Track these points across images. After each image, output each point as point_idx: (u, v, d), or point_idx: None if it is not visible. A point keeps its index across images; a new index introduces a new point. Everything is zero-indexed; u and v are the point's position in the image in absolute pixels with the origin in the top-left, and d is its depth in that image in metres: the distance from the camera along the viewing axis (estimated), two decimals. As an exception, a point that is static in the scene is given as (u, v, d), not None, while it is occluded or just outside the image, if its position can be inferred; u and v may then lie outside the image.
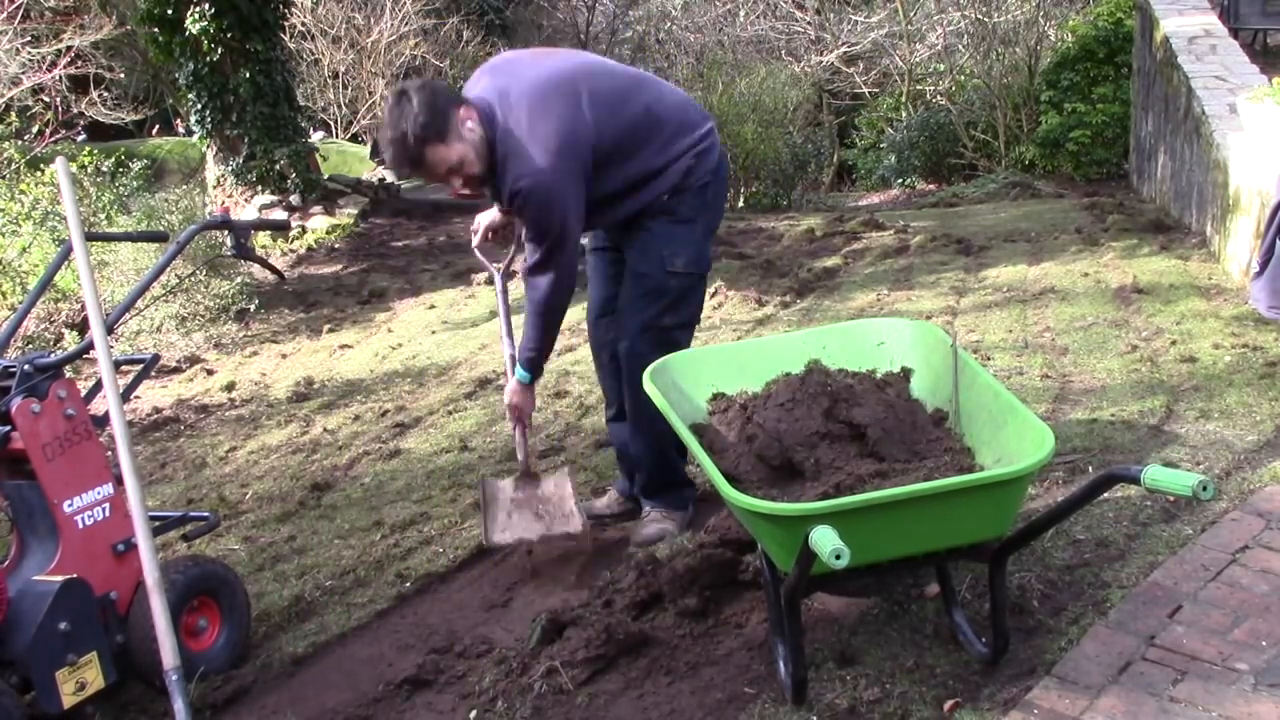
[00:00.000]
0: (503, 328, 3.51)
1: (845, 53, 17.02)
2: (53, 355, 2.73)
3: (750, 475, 2.62)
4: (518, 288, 4.14)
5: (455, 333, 6.92)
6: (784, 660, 2.41)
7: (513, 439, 3.52)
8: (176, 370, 7.01)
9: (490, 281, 3.70)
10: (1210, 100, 6.79)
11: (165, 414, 5.97)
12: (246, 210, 10.32)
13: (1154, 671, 2.34)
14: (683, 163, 3.13)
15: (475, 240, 3.52)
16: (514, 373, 3.31)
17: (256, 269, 8.18)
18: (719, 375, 2.93)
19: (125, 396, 2.78)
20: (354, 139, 17.33)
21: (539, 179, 2.93)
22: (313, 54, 16.34)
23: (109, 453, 2.79)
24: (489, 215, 3.50)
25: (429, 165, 2.94)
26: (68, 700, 2.56)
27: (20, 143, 10.03)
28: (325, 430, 5.27)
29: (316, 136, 16.23)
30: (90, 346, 2.73)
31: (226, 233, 3.05)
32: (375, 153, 14.19)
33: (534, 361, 3.24)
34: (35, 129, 11.27)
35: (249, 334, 7.75)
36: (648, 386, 2.74)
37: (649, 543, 3.27)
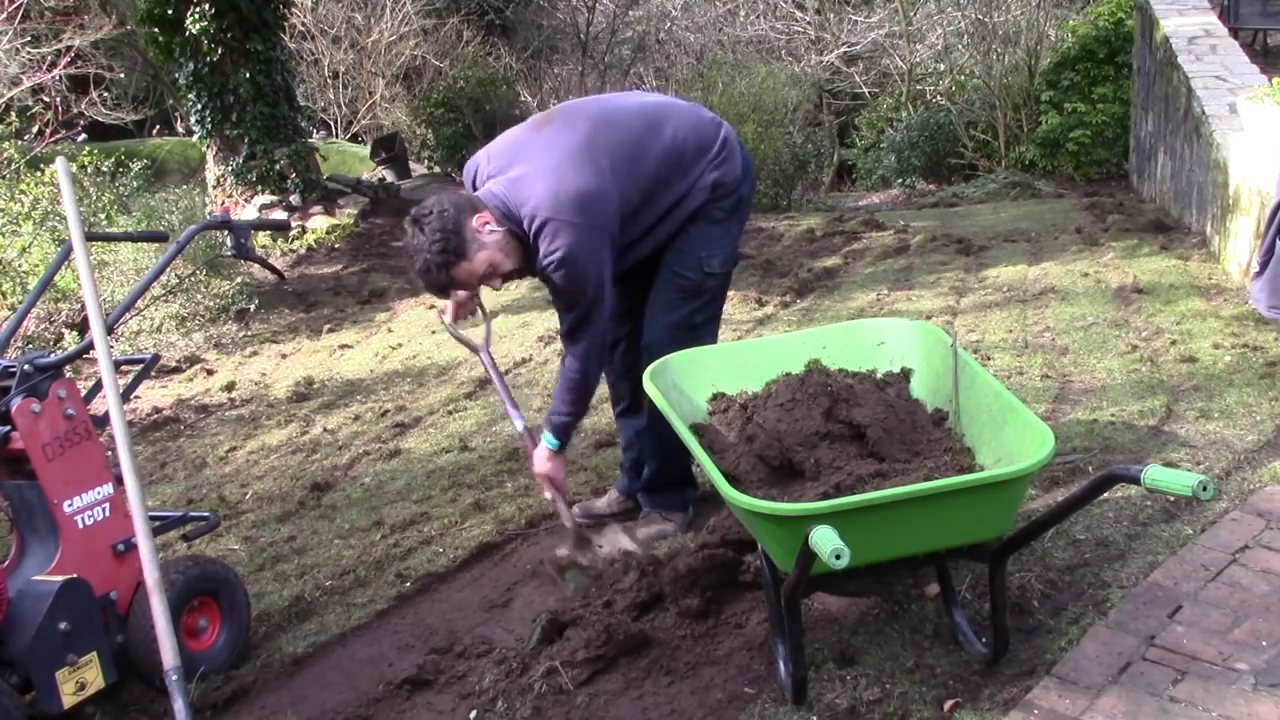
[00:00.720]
0: (505, 401, 3.40)
1: (845, 53, 17.02)
2: (53, 355, 2.73)
3: (750, 475, 2.62)
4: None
5: (455, 333, 6.92)
6: (784, 660, 2.41)
7: (554, 508, 3.32)
8: (176, 370, 7.01)
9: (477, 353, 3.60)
10: (1210, 100, 6.79)
11: (165, 414, 5.97)
12: (247, 210, 10.31)
13: (1154, 671, 2.34)
14: (706, 180, 3.12)
15: (448, 320, 3.44)
16: (537, 440, 3.20)
17: (256, 269, 8.18)
18: (719, 375, 2.93)
19: (125, 396, 2.78)
20: (354, 139, 17.33)
21: (570, 252, 2.89)
22: (313, 54, 16.33)
23: (109, 453, 2.78)
24: (456, 296, 3.37)
25: (462, 283, 2.96)
26: (68, 700, 2.56)
27: (20, 143, 10.03)
28: (325, 430, 5.27)
29: (318, 137, 16.24)
30: (90, 346, 2.73)
31: (226, 233, 3.04)
32: (375, 153, 14.19)
33: (565, 428, 3.15)
34: (35, 129, 11.25)
35: (249, 334, 7.75)
36: (648, 386, 2.74)
37: (648, 542, 3.27)
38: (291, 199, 10.55)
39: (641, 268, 3.21)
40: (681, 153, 3.09)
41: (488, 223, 2.91)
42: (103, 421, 2.77)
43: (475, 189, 3.08)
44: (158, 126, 17.07)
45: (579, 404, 3.14)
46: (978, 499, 2.16)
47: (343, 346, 7.08)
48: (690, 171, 3.10)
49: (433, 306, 7.73)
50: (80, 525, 2.68)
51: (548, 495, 3.24)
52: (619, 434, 3.66)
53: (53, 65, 12.66)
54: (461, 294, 3.30)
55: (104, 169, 8.61)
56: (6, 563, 2.70)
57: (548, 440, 3.15)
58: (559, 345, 5.43)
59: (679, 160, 3.09)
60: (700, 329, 3.24)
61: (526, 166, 2.96)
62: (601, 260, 2.95)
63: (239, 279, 8.19)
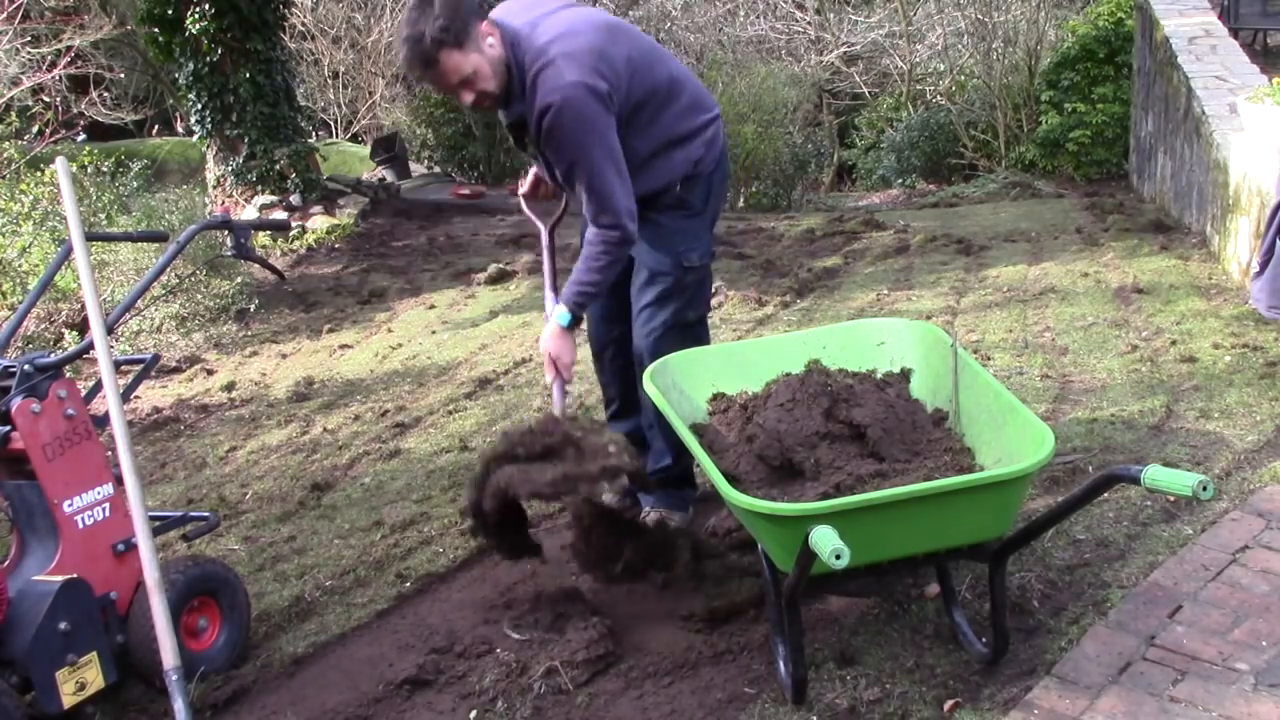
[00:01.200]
0: (547, 280, 3.31)
1: (845, 53, 17.03)
2: (53, 355, 2.73)
3: (750, 475, 2.62)
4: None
5: (455, 333, 6.92)
6: (784, 660, 2.41)
7: (551, 395, 3.16)
8: (176, 370, 7.01)
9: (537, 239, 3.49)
10: (1210, 100, 6.79)
11: (165, 414, 5.97)
12: (247, 210, 10.31)
13: (1154, 671, 2.34)
14: (696, 146, 3.09)
15: (523, 189, 3.34)
16: (553, 317, 3.05)
17: (256, 269, 8.18)
18: (719, 375, 2.93)
19: (125, 396, 2.78)
20: (354, 139, 17.34)
21: (570, 94, 2.79)
22: (313, 54, 16.35)
23: (109, 453, 2.78)
24: (536, 168, 3.34)
25: (441, 70, 2.81)
26: (68, 700, 2.56)
27: (20, 143, 10.03)
28: (325, 430, 5.27)
29: (323, 141, 16.25)
30: (90, 346, 2.73)
31: (226, 233, 3.04)
32: (375, 153, 14.19)
33: (581, 302, 3.01)
34: (35, 129, 11.26)
35: (249, 334, 7.75)
36: (648, 386, 2.74)
37: None
38: (291, 199, 10.55)
39: (628, 271, 3.18)
40: (683, 89, 3.07)
41: (492, 36, 2.85)
42: (103, 421, 2.76)
43: None
44: (157, 126, 17.09)
45: (606, 270, 2.98)
46: (978, 499, 2.16)
47: (343, 346, 7.08)
48: (687, 117, 3.07)
49: (433, 306, 7.74)
50: (80, 525, 2.68)
51: (548, 378, 3.10)
52: (609, 428, 3.63)
53: (53, 65, 12.67)
54: (540, 170, 3.24)
55: (104, 169, 8.61)
56: (6, 563, 2.70)
57: (559, 316, 3.02)
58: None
59: (680, 93, 3.06)
60: (696, 326, 3.23)
61: (545, 21, 2.91)
62: (605, 123, 2.85)
63: (239, 279, 8.19)
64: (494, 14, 3.00)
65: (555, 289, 3.25)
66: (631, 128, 2.98)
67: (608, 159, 2.88)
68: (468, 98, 2.87)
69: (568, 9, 3.01)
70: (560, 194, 3.37)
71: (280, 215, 10.16)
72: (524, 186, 3.37)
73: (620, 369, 3.36)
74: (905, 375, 2.86)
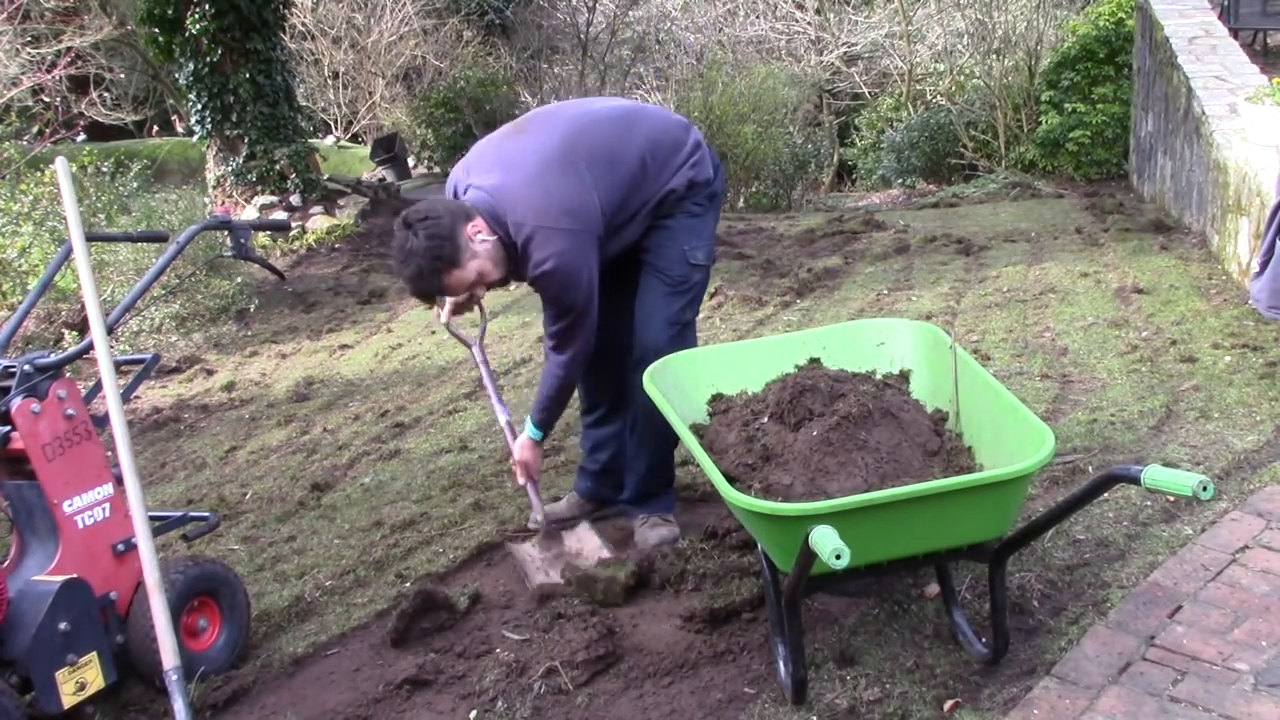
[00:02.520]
0: (492, 395, 3.48)
1: (845, 53, 17.03)
2: (53, 355, 2.72)
3: (750, 475, 2.62)
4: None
5: (455, 333, 6.92)
6: (784, 660, 2.41)
7: (528, 497, 3.44)
8: (176, 370, 7.01)
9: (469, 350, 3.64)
10: (1210, 100, 6.79)
11: (165, 414, 5.97)
12: (247, 210, 10.32)
13: (1154, 671, 2.34)
14: (680, 179, 3.16)
15: (444, 317, 3.41)
16: (517, 434, 3.33)
17: (256, 269, 8.18)
18: (719, 375, 2.93)
19: (125, 397, 2.78)
20: (354, 139, 17.34)
21: (561, 260, 2.92)
22: (313, 54, 16.35)
23: (109, 453, 2.78)
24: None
25: (451, 290, 2.96)
26: (68, 700, 2.56)
27: (20, 143, 10.03)
28: (325, 430, 5.27)
29: (329, 140, 16.25)
30: (90, 346, 2.73)
31: (226, 233, 3.04)
32: (375, 153, 14.20)
33: (546, 422, 3.27)
34: (35, 129, 11.27)
35: (249, 334, 7.75)
36: (648, 387, 2.74)
37: (661, 545, 3.26)
38: (291, 199, 10.56)
39: (612, 272, 3.19)
40: (656, 151, 3.12)
41: (480, 231, 2.91)
42: (103, 421, 2.76)
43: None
44: (157, 126, 17.08)
45: (560, 405, 3.25)
46: (978, 499, 2.16)
47: (343, 346, 7.08)
48: (663, 171, 3.13)
49: (432, 306, 7.73)
50: (80, 525, 2.68)
51: (520, 481, 3.37)
52: (585, 438, 3.62)
53: (53, 66, 12.67)
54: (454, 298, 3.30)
55: (104, 169, 8.61)
56: (6, 563, 2.70)
57: (530, 430, 3.27)
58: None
59: (654, 158, 3.12)
60: (691, 325, 3.28)
61: (508, 175, 2.98)
62: (590, 265, 2.98)
63: (239, 279, 8.19)
64: (461, 177, 3.09)
65: (501, 399, 3.47)
66: (620, 215, 3.08)
67: (590, 301, 3.02)
68: (481, 293, 3.04)
69: (524, 151, 3.02)
70: (476, 304, 3.37)
71: (280, 215, 10.16)
72: (444, 315, 3.39)
73: (604, 368, 3.36)
74: (905, 376, 2.86)
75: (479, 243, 2.90)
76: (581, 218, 2.95)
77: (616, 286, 3.24)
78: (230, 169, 10.50)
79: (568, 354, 3.11)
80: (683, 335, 3.19)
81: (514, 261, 3.00)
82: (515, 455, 3.33)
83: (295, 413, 5.66)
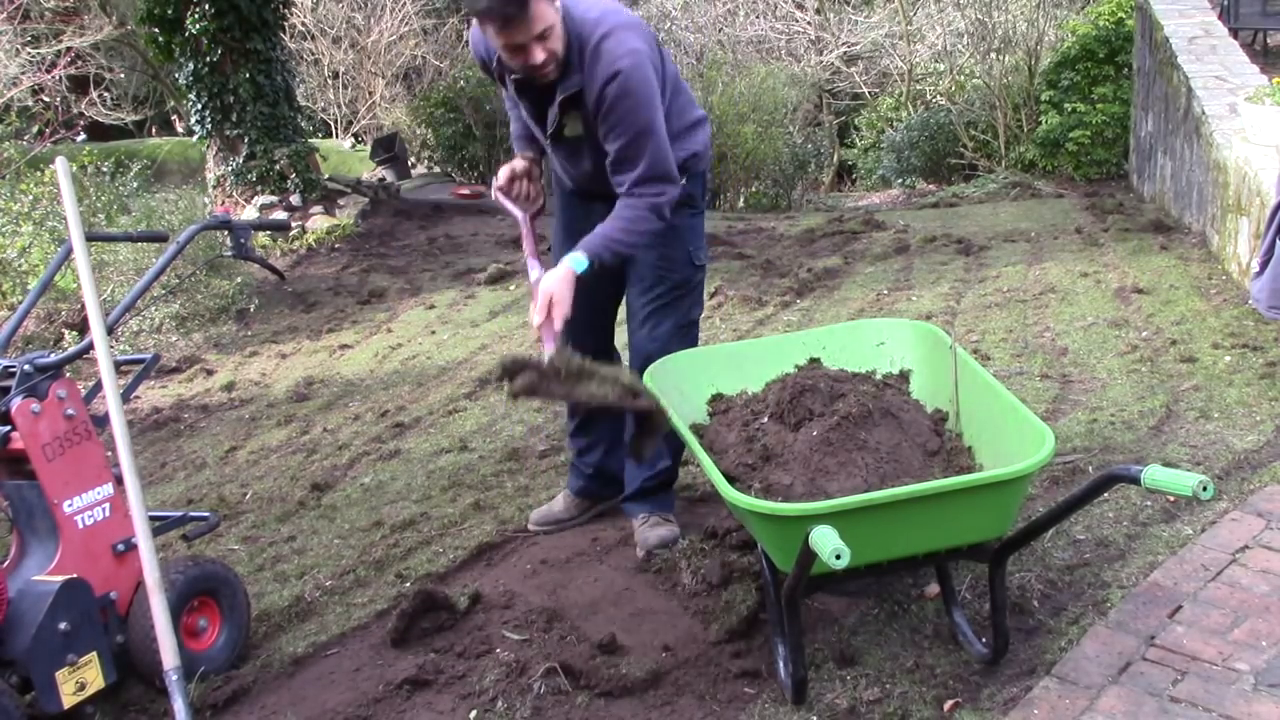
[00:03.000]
0: (529, 255, 3.03)
1: (845, 53, 17.02)
2: (53, 355, 2.72)
3: (750, 475, 2.62)
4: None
5: (455, 333, 6.92)
6: (784, 660, 2.41)
7: (539, 345, 2.78)
8: (176, 370, 7.01)
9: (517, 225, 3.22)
10: (1210, 100, 6.79)
11: (165, 414, 5.97)
12: (247, 210, 10.32)
13: (1154, 671, 2.34)
14: (699, 138, 3.13)
15: (499, 183, 3.19)
16: (565, 260, 2.81)
17: (256, 269, 8.18)
18: (719, 375, 2.93)
19: (125, 397, 2.78)
20: (355, 139, 17.33)
21: (638, 60, 2.74)
22: (313, 54, 16.35)
23: (109, 453, 2.79)
24: (513, 163, 3.22)
25: (530, 17, 2.65)
26: (68, 700, 2.56)
27: (20, 143, 10.03)
28: (325, 430, 5.27)
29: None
30: (90, 346, 2.73)
31: (226, 233, 3.04)
32: (375, 153, 14.19)
33: (607, 257, 2.83)
34: (35, 129, 11.27)
35: (249, 334, 7.75)
36: (649, 387, 2.74)
37: (662, 545, 3.26)
38: (291, 199, 10.55)
39: (602, 276, 3.00)
40: (683, 86, 3.12)
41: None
42: (103, 421, 2.76)
43: None
44: (157, 126, 17.08)
45: (645, 235, 2.88)
46: (978, 499, 2.16)
47: (343, 346, 7.08)
48: (690, 109, 3.11)
49: (433, 306, 7.73)
50: (80, 525, 2.68)
51: (537, 319, 2.75)
52: (572, 442, 3.55)
53: (53, 65, 12.67)
54: (520, 164, 3.17)
55: (104, 169, 8.61)
56: (6, 563, 2.70)
57: (575, 261, 2.78)
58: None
59: (682, 88, 3.11)
60: (694, 326, 3.27)
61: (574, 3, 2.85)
62: (658, 92, 2.84)
63: (239, 279, 8.19)
64: None
65: (539, 259, 3.00)
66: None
67: (663, 125, 2.85)
68: (539, 55, 2.72)
69: None
70: (538, 196, 3.26)
71: (280, 215, 10.17)
72: (500, 180, 3.21)
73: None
74: (905, 375, 2.86)
75: (556, 5, 2.74)
76: (652, 45, 2.86)
77: (610, 291, 3.25)
78: (230, 169, 10.50)
79: (657, 185, 2.83)
80: (689, 335, 3.20)
81: (570, 62, 2.78)
82: (545, 284, 2.76)
83: (295, 413, 5.66)
